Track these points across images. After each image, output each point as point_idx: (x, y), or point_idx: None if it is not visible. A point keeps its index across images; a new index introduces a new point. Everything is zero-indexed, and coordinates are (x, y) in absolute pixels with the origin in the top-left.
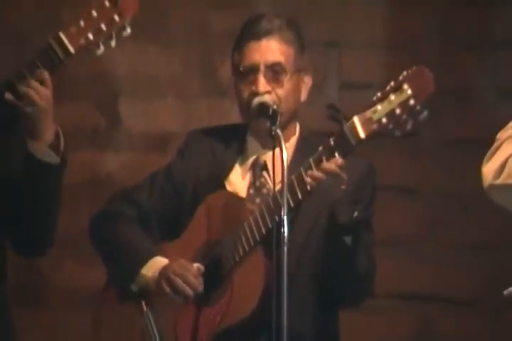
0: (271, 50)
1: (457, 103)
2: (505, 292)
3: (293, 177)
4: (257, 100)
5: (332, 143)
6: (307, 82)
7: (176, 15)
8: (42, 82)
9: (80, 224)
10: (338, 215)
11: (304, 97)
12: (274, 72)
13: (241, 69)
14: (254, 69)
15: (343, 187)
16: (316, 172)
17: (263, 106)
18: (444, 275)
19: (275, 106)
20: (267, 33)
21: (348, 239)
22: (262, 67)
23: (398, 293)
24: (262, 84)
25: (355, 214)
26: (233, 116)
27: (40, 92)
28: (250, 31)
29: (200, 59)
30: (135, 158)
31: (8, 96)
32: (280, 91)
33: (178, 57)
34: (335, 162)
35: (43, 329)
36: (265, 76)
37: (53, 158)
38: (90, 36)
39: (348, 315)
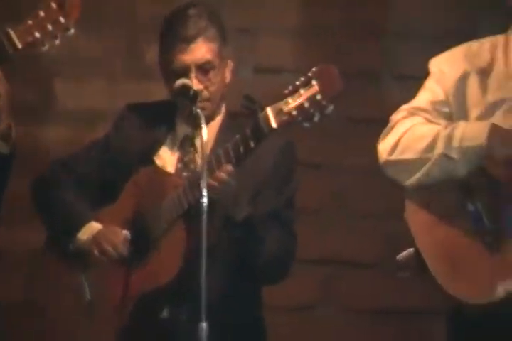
0: (200, 51)
1: (359, 85)
2: (398, 256)
3: (212, 158)
4: (179, 82)
5: (248, 132)
6: (230, 64)
7: (105, 1)
8: None
9: (16, 192)
10: (233, 214)
11: (229, 79)
12: (205, 70)
13: (172, 71)
14: (185, 71)
15: (228, 193)
16: (210, 181)
17: (184, 87)
18: (347, 241)
19: (195, 87)
20: (195, 37)
21: (237, 233)
22: (193, 68)
23: (306, 258)
24: (195, 84)
25: (247, 212)
26: (159, 97)
27: None
28: (178, 35)
29: (128, 42)
30: (68, 133)
31: None
32: (212, 88)
33: (108, 41)
34: (225, 170)
35: None
36: (196, 76)
37: (4, 149)
38: (37, 35)
39: None
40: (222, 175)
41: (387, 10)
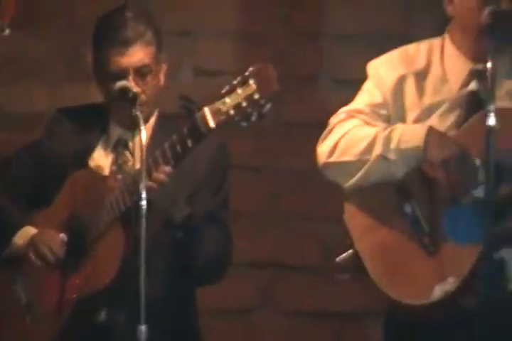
0: (138, 54)
1: (298, 88)
2: (337, 259)
3: (150, 160)
4: (118, 84)
5: (185, 131)
6: (164, 68)
7: (44, 2)
8: None
9: None
10: (172, 215)
11: (163, 82)
12: (142, 73)
13: (109, 73)
14: (123, 74)
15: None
16: (148, 182)
17: (124, 90)
18: (285, 244)
19: (135, 90)
20: (133, 40)
21: (179, 234)
22: (131, 71)
23: (244, 261)
24: (133, 87)
25: (187, 211)
26: (97, 99)
27: None
28: (115, 38)
29: (68, 44)
30: (6, 137)
31: None
32: (148, 91)
33: (47, 42)
34: (163, 171)
35: None
36: (134, 79)
37: None
38: None
39: None
40: (160, 175)
41: (326, 13)
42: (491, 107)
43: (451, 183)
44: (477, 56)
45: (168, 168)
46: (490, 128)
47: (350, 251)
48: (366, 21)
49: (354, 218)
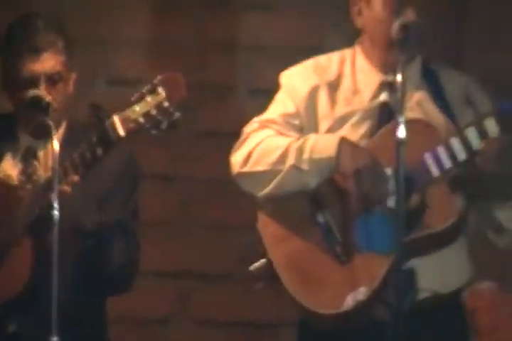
0: (50, 62)
1: (212, 98)
2: (251, 268)
3: (60, 169)
4: (31, 93)
5: (95, 139)
6: (73, 76)
7: None
8: None
9: None
10: (82, 221)
11: (72, 90)
12: (53, 81)
13: (19, 81)
14: (34, 81)
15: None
16: (59, 191)
17: (36, 98)
18: (198, 253)
19: (47, 99)
20: (45, 48)
21: (89, 242)
22: (42, 79)
23: (158, 271)
24: (45, 95)
25: (98, 219)
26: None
27: None
28: (27, 45)
29: None
30: None
31: None
32: (59, 99)
33: None
34: (71, 180)
35: None
36: (46, 87)
37: None
38: None
39: None
40: (64, 187)
41: (241, 24)
42: (401, 118)
43: (362, 194)
44: (387, 67)
45: (76, 178)
46: (399, 139)
47: (264, 260)
48: (280, 32)
49: (267, 227)
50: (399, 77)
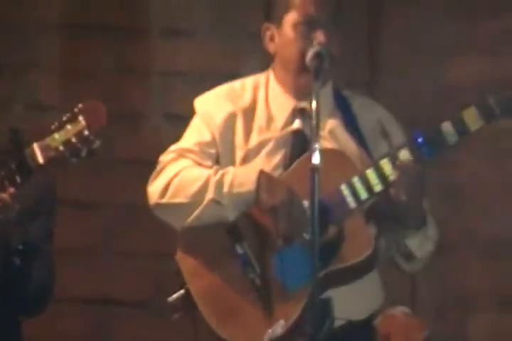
0: None
1: (128, 125)
2: (169, 298)
3: None
4: None
5: (14, 167)
6: None
7: None
8: None
9: None
10: (10, 239)
11: None
12: None
13: None
14: None
15: (12, 214)
16: None
17: None
18: (118, 280)
19: None
20: None
21: (17, 260)
22: None
23: (74, 297)
24: None
25: (26, 238)
26: None
27: None
28: None
29: None
30: None
31: None
32: None
33: None
34: (8, 191)
35: None
36: None
37: None
38: None
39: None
40: (3, 195)
41: (157, 49)
42: (315, 146)
43: (280, 228)
44: (300, 93)
45: (12, 189)
46: (314, 167)
47: (182, 290)
48: (197, 58)
49: (186, 258)
50: (313, 104)
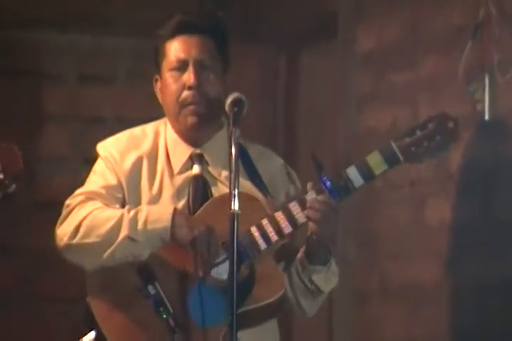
0: None
1: (47, 169)
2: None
3: None
4: None
5: None
6: None
7: None
8: None
9: None
10: None
11: None
12: None
13: None
14: None
15: None
16: None
17: None
18: (34, 326)
19: None
20: None
21: None
22: None
23: None
24: None
25: None
26: None
27: None
28: None
29: None
30: None
31: None
32: None
33: None
34: None
35: None
36: None
37: None
38: None
39: None
40: None
41: (77, 94)
42: (235, 191)
43: (200, 262)
44: (193, 141)
45: None
46: (235, 211)
47: (93, 332)
48: (117, 104)
49: (98, 298)
50: (232, 150)
